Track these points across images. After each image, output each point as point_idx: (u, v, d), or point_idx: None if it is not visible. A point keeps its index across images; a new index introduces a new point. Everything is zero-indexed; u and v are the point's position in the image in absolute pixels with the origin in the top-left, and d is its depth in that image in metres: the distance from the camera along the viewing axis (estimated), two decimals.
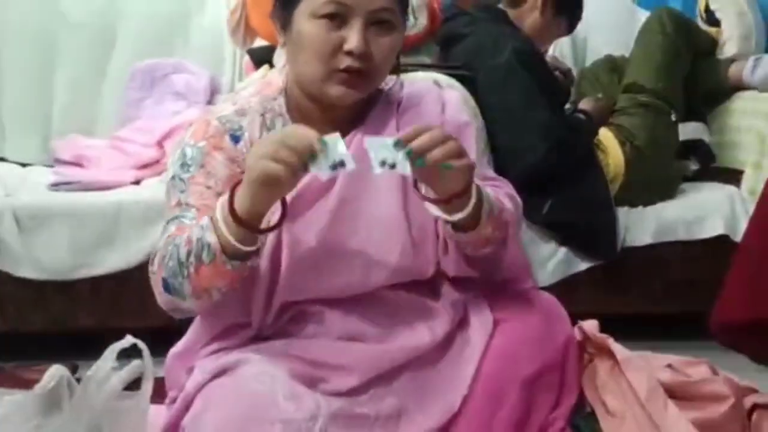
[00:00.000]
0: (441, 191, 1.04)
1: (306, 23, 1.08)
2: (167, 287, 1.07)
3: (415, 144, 0.98)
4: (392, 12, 1.10)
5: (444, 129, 1.05)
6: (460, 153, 1.01)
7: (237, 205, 1.00)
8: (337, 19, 1.07)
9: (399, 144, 0.98)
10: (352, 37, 1.07)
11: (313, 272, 1.13)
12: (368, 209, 1.15)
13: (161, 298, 1.10)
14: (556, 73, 2.26)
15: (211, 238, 1.01)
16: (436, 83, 1.29)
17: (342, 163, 0.98)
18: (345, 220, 1.14)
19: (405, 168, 0.99)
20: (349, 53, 1.07)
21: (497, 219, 1.11)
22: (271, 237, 1.10)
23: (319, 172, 0.98)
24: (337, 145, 0.98)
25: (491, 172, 1.30)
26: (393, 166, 0.99)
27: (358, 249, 1.14)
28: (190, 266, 1.03)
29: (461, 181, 1.03)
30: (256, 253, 1.05)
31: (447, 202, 1.05)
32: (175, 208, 1.11)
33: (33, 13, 2.27)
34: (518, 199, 1.23)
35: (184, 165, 1.12)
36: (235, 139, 1.13)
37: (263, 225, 1.03)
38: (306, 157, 0.96)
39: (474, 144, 1.20)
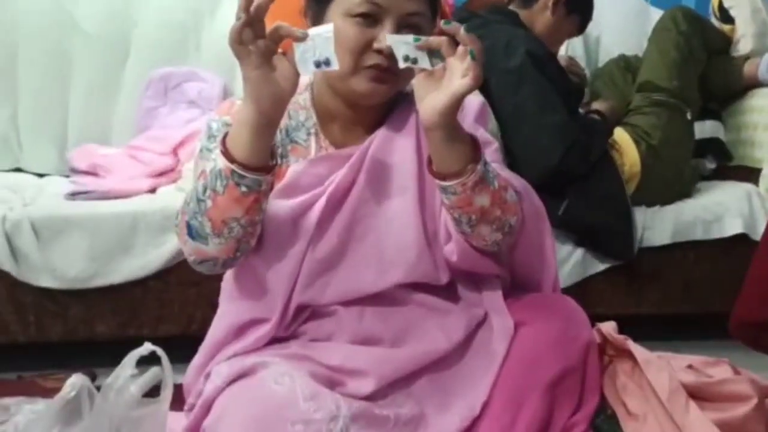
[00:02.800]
0: (448, 111, 1.04)
1: (339, 20, 1.10)
2: (191, 231, 1.08)
3: (434, 41, 1.03)
4: (424, 17, 1.12)
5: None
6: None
7: (243, 117, 1.03)
8: (370, 18, 1.10)
9: (417, 41, 1.04)
10: (383, 37, 1.08)
11: (330, 272, 1.14)
12: (385, 209, 1.16)
13: (187, 247, 1.10)
14: (571, 76, 2.25)
15: (222, 163, 1.04)
16: None
17: (327, 62, 1.02)
18: (363, 219, 1.15)
19: (425, 63, 1.04)
20: (379, 51, 1.09)
21: (497, 194, 1.10)
22: (296, 237, 1.11)
23: (301, 67, 1.02)
24: (327, 41, 1.01)
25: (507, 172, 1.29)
26: (415, 61, 1.05)
27: (374, 247, 1.15)
28: (207, 200, 1.05)
29: (468, 87, 1.02)
30: (268, 173, 1.05)
31: (450, 140, 1.06)
32: (201, 175, 1.12)
33: (48, 24, 2.28)
34: (535, 199, 1.23)
35: (210, 137, 1.14)
36: None
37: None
38: (286, 31, 0.99)
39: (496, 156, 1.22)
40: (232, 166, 1.03)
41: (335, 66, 1.02)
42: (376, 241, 1.15)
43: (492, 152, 1.22)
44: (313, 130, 1.19)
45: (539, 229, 1.25)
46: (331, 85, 1.16)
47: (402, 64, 1.05)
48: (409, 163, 1.17)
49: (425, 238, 1.16)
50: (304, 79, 1.19)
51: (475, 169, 1.07)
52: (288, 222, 1.12)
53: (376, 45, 1.09)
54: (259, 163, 1.05)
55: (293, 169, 1.16)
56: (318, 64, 1.02)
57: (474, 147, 1.09)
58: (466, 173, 1.07)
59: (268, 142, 1.06)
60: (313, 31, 1.02)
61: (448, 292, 1.22)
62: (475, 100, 1.25)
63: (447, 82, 1.03)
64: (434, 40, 1.04)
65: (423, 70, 1.06)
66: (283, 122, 1.16)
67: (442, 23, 1.03)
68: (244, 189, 1.04)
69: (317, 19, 1.14)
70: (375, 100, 1.15)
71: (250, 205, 1.05)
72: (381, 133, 1.18)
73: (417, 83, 1.07)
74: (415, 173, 1.16)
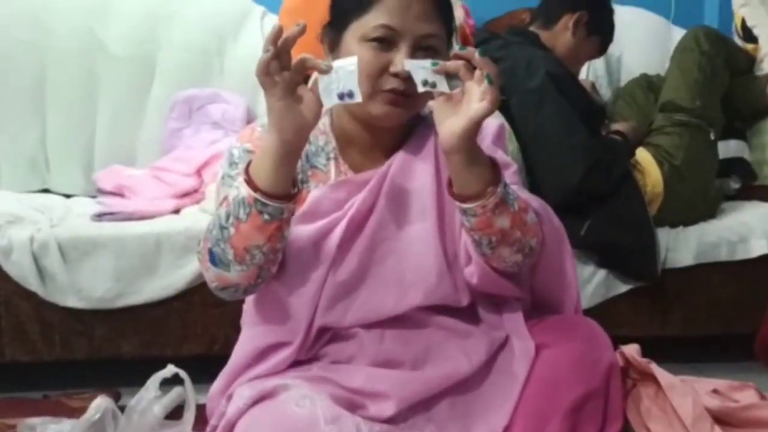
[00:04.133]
0: (466, 136, 1.05)
1: (355, 46, 1.12)
2: (213, 258, 1.09)
3: (451, 66, 1.04)
4: (438, 38, 1.14)
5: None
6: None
7: (266, 146, 1.05)
8: (386, 42, 1.11)
9: (435, 65, 1.05)
10: (399, 60, 1.10)
11: (351, 295, 1.14)
12: (405, 232, 1.16)
13: (209, 274, 1.11)
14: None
15: (245, 191, 1.05)
16: None
17: (351, 94, 1.03)
18: (383, 242, 1.16)
19: (443, 86, 1.05)
20: (395, 75, 1.11)
21: (517, 216, 1.11)
22: (317, 262, 1.12)
23: (325, 98, 1.03)
24: (351, 75, 1.02)
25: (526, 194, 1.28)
26: (434, 86, 1.06)
27: (394, 270, 1.15)
28: (230, 227, 1.06)
29: (487, 111, 1.03)
30: (290, 201, 1.07)
31: (469, 162, 1.06)
32: (224, 203, 1.13)
33: (77, 47, 2.32)
34: (555, 220, 1.22)
35: (232, 164, 1.15)
36: None
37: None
38: (311, 63, 1.01)
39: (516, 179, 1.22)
40: (256, 195, 1.04)
41: (358, 98, 1.04)
42: (396, 264, 1.15)
43: (511, 174, 1.22)
44: (332, 155, 1.20)
45: (560, 250, 1.24)
46: (350, 109, 1.17)
47: (421, 88, 1.06)
48: (429, 186, 1.17)
49: (445, 261, 1.17)
50: None
51: (495, 191, 1.08)
52: (309, 246, 1.13)
53: (392, 69, 1.11)
54: (282, 192, 1.06)
55: (314, 194, 1.17)
56: (341, 96, 1.03)
57: (494, 169, 1.09)
58: (486, 195, 1.08)
59: (290, 171, 1.07)
60: (337, 63, 1.04)
61: (468, 314, 1.21)
62: (493, 122, 1.26)
63: (465, 105, 1.04)
64: (451, 64, 1.05)
65: (442, 93, 1.06)
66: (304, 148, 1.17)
67: (457, 48, 1.05)
68: (266, 217, 1.05)
69: (334, 45, 1.16)
70: (392, 123, 1.16)
71: (272, 233, 1.07)
72: (400, 156, 1.19)
73: (436, 107, 1.08)
74: (435, 196, 1.17)
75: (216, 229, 1.08)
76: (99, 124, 2.33)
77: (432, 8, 1.13)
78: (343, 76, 1.03)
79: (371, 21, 1.11)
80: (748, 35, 2.39)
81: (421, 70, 1.06)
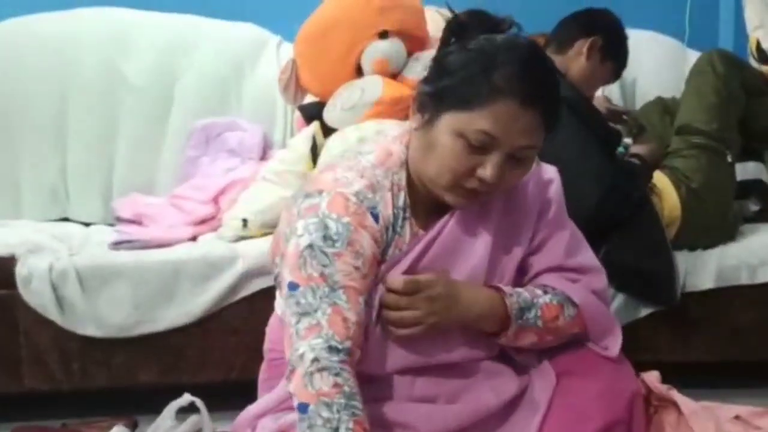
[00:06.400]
0: None
1: (449, 137, 1.08)
2: (300, 408, 1.01)
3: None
4: (535, 149, 1.11)
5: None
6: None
7: None
8: (481, 146, 1.08)
9: None
10: (489, 168, 1.07)
11: (391, 347, 1.14)
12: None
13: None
14: (624, 116, 2.26)
15: None
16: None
17: None
18: None
19: None
20: (482, 180, 1.08)
21: (543, 330, 1.15)
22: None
23: None
24: None
25: (579, 257, 1.25)
26: None
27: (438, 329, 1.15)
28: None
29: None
30: None
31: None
32: (320, 282, 1.05)
33: (97, 78, 2.36)
34: (601, 291, 1.23)
35: (327, 238, 1.07)
36: (375, 217, 1.11)
37: None
38: None
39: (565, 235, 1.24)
40: None
41: None
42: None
43: (566, 237, 1.23)
44: (407, 214, 1.16)
45: (607, 320, 1.24)
46: (425, 181, 1.14)
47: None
48: (481, 247, 1.16)
49: None
50: (399, 154, 1.17)
51: (507, 334, 1.14)
52: None
53: (479, 172, 1.08)
54: None
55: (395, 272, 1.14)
56: None
57: (503, 310, 1.13)
58: (500, 336, 1.15)
59: None
60: None
61: (499, 354, 1.22)
62: (553, 176, 1.27)
63: None
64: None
65: None
66: (390, 217, 1.13)
67: (387, 281, 1.09)
68: None
69: (428, 115, 1.11)
70: (463, 209, 1.15)
71: None
72: (457, 213, 1.16)
73: None
74: (486, 259, 1.16)
75: (322, 408, 0.99)
76: (118, 153, 2.36)
77: (539, 121, 1.08)
78: None
79: (474, 122, 1.06)
80: (763, 57, 2.39)
81: None
